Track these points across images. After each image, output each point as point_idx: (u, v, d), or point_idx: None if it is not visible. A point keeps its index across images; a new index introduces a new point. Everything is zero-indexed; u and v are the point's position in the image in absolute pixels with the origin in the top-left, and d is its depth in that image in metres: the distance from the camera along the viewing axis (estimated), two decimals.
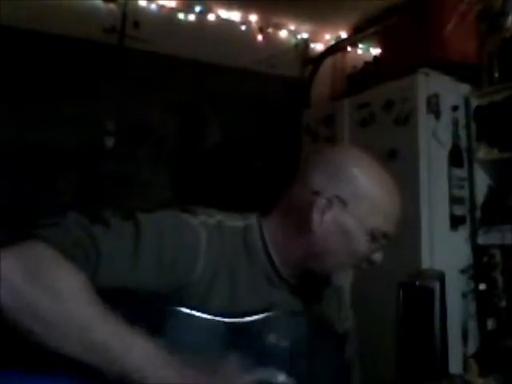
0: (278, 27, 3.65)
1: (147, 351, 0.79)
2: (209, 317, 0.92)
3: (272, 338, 0.96)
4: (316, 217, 0.98)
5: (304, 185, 1.02)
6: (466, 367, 1.09)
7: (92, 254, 0.83)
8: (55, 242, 0.81)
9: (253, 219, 1.04)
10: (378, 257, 1.03)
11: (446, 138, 2.70)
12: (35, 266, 0.78)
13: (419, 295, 2.29)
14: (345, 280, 1.04)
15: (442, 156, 2.69)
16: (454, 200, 2.68)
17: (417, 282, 2.29)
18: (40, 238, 0.81)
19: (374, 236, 0.99)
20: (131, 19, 3.17)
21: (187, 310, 0.90)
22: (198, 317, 0.91)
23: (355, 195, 0.99)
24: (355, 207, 0.98)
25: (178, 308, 0.90)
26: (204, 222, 0.97)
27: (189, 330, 0.90)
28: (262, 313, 0.97)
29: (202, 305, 0.93)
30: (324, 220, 0.98)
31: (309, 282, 1.06)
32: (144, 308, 0.89)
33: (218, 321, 0.92)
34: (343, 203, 0.98)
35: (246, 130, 3.51)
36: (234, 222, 1.02)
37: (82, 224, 0.86)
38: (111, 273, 0.85)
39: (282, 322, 0.98)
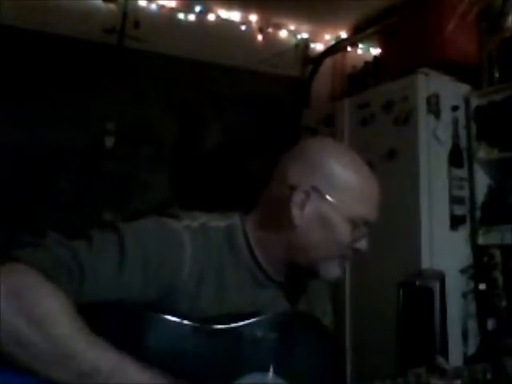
0: (278, 27, 3.65)
1: (134, 372, 0.78)
2: (195, 323, 0.91)
3: (260, 340, 0.96)
4: (296, 212, 0.98)
5: (281, 181, 1.01)
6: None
7: (75, 271, 0.82)
8: (36, 263, 0.79)
9: (235, 218, 1.04)
10: (362, 244, 1.02)
11: (446, 138, 2.70)
12: (16, 291, 0.76)
13: (419, 295, 2.30)
14: (334, 273, 1.03)
15: (442, 156, 2.69)
16: (454, 200, 2.68)
17: (417, 282, 2.29)
18: (20, 259, 0.79)
19: (355, 224, 0.99)
20: (131, 19, 3.17)
21: (169, 317, 0.89)
22: (182, 323, 0.90)
23: (332, 185, 0.98)
24: (333, 197, 0.98)
25: (158, 314, 0.89)
26: (187, 225, 0.96)
27: (172, 336, 0.89)
28: (250, 315, 0.96)
29: (190, 308, 0.93)
30: (304, 214, 0.98)
31: (295, 279, 1.06)
32: (129, 317, 0.88)
33: (205, 326, 0.92)
34: (321, 194, 0.98)
35: (246, 130, 3.51)
36: (217, 222, 1.02)
37: (62, 241, 0.85)
38: (97, 287, 0.84)
39: (269, 323, 0.98)
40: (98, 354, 0.77)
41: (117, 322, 0.85)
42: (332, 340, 1.11)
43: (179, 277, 0.92)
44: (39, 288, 0.78)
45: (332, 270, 1.02)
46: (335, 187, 0.98)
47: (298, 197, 0.98)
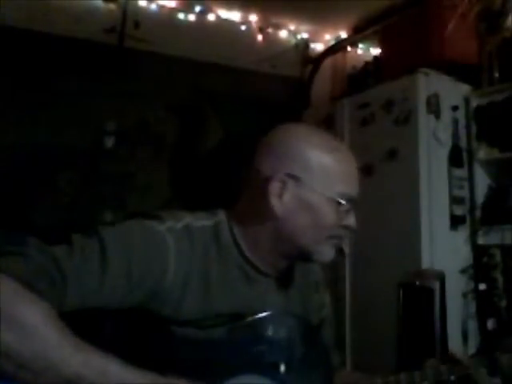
0: (278, 27, 3.65)
1: (121, 376, 0.77)
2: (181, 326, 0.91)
3: (255, 338, 0.96)
4: (275, 201, 0.97)
5: (256, 172, 1.01)
6: None
7: (58, 279, 0.81)
8: (17, 272, 0.77)
9: (221, 215, 1.03)
10: (350, 220, 1.01)
11: (446, 138, 2.70)
12: None
13: (419, 295, 2.30)
14: (328, 255, 1.01)
15: (442, 156, 2.69)
16: (454, 200, 2.68)
17: (417, 282, 2.30)
18: (0, 269, 0.77)
19: (337, 202, 0.98)
20: (131, 19, 3.17)
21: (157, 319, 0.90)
22: (174, 328, 0.91)
23: (306, 168, 0.97)
24: (310, 180, 0.97)
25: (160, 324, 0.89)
26: (171, 227, 0.95)
27: (166, 341, 0.90)
28: (241, 315, 0.95)
29: (176, 310, 0.92)
30: (284, 202, 0.97)
31: (288, 271, 1.05)
32: (126, 326, 0.88)
33: (191, 329, 0.92)
34: (297, 180, 0.97)
35: (246, 130, 3.51)
36: (203, 221, 1.01)
37: (43, 248, 0.83)
38: (81, 294, 0.83)
39: (264, 320, 0.97)
40: (81, 360, 0.75)
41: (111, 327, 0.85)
42: (327, 349, 1.11)
43: (164, 281, 0.91)
44: (19, 297, 0.75)
45: (326, 253, 1.01)
46: (309, 169, 0.97)
47: (274, 186, 0.97)
